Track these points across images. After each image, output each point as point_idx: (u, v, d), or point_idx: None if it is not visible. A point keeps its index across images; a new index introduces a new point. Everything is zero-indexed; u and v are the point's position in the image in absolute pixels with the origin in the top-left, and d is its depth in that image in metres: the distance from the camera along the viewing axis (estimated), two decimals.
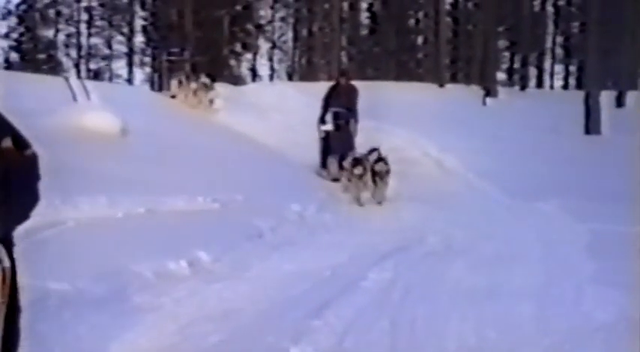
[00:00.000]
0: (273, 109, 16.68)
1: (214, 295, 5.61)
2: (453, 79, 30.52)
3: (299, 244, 7.68)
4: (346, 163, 10.45)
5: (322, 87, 21.51)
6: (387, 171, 10.12)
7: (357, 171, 10.02)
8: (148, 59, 37.68)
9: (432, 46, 28.68)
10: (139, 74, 37.89)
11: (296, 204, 9.37)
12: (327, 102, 12.14)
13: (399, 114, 15.33)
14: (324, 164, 11.83)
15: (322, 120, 12.12)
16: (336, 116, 12.03)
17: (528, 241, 8.11)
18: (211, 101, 15.77)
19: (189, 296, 5.54)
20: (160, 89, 36.07)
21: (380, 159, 10.20)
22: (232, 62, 32.10)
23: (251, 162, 11.92)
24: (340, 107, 12.01)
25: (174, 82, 16.68)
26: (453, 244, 7.84)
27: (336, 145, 11.65)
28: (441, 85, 23.71)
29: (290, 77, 35.53)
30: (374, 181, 10.08)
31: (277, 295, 5.69)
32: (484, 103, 21.16)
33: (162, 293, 5.48)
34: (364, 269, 6.54)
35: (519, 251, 7.54)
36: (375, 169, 10.07)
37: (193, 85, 15.81)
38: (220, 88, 17.02)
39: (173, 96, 16.23)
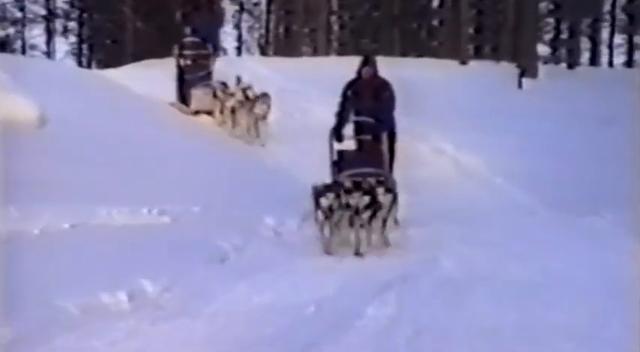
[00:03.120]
0: None
1: (161, 337, 5.65)
2: (478, 53, 30.61)
3: (274, 270, 7.73)
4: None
5: (305, 64, 21.70)
6: (370, 206, 8.86)
7: (353, 200, 8.83)
8: (73, 24, 37.55)
9: (450, 11, 28.77)
10: (62, 45, 37.77)
11: (270, 216, 9.43)
12: (344, 106, 10.55)
13: (406, 101, 15.34)
14: None
15: (337, 134, 10.43)
16: (358, 128, 10.66)
17: (573, 267, 8.19)
18: (257, 121, 14.10)
19: (129, 338, 5.58)
20: (89, 65, 36.13)
21: (358, 187, 8.98)
22: (187, 31, 32.15)
23: (212, 163, 11.96)
24: (365, 114, 10.48)
25: (197, 92, 14.90)
26: (474, 269, 7.92)
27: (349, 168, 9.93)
28: (462, 62, 23.82)
29: (263, 51, 35.60)
30: (350, 223, 8.87)
31: (245, 336, 5.73)
32: (519, 86, 21.27)
33: (92, 335, 5.52)
34: (359, 302, 6.61)
35: (561, 279, 7.61)
36: (349, 202, 8.87)
37: (231, 101, 14.19)
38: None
39: (196, 112, 14.94)
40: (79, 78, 16.87)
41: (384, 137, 10.33)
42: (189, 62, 15.30)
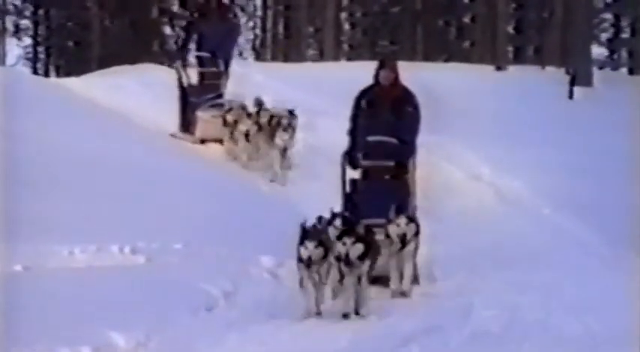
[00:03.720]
0: None
1: None
2: (518, 57, 30.71)
3: (271, 320, 7.73)
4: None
5: (309, 71, 21.73)
6: (363, 255, 8.18)
7: (342, 247, 8.17)
8: (26, 23, 37.72)
9: (484, 5, 28.89)
10: (13, 48, 37.93)
11: (267, 256, 9.42)
12: (355, 122, 10.13)
13: (432, 114, 15.34)
14: None
15: (351, 159, 10.06)
16: (367, 150, 10.02)
17: None
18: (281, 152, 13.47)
19: None
20: (47, 73, 36.13)
21: (351, 231, 8.35)
22: (167, 30, 32.25)
23: (199, 190, 11.97)
24: (382, 132, 9.96)
25: (203, 116, 14.71)
26: (518, 320, 7.88)
27: (366, 205, 9.54)
28: (499, 68, 23.90)
29: (258, 55, 35.71)
30: (340, 273, 8.36)
31: None
32: (570, 96, 21.31)
33: None
34: None
35: (627, 335, 7.54)
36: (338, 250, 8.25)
37: (244, 126, 13.73)
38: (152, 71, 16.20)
39: (203, 141, 14.82)
40: (35, 88, 16.93)
41: (412, 164, 9.99)
42: (194, 82, 15.04)
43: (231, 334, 7.20)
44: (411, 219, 9.08)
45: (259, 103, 14.18)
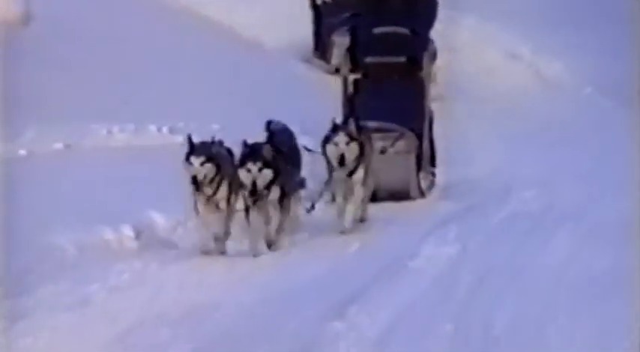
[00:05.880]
0: None
1: (173, 281, 5.70)
2: None
3: (310, 199, 7.70)
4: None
5: None
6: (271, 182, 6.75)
7: (246, 175, 6.72)
8: None
9: None
10: None
11: (306, 136, 9.36)
12: (356, 9, 9.20)
13: None
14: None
15: (352, 56, 8.94)
16: (379, 45, 8.75)
17: None
18: None
19: (135, 282, 5.63)
20: None
21: (254, 154, 6.84)
22: None
23: (238, 68, 11.87)
24: (390, 22, 8.74)
25: (341, 40, 13.53)
26: (557, 203, 7.84)
27: (370, 109, 8.38)
28: None
29: None
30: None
31: (277, 282, 5.75)
32: None
33: (91, 278, 5.57)
34: (412, 239, 6.60)
35: None
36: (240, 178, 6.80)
37: None
38: None
39: (337, 70, 13.74)
40: None
41: (427, 60, 8.62)
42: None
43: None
44: (353, 138, 7.33)
45: None
